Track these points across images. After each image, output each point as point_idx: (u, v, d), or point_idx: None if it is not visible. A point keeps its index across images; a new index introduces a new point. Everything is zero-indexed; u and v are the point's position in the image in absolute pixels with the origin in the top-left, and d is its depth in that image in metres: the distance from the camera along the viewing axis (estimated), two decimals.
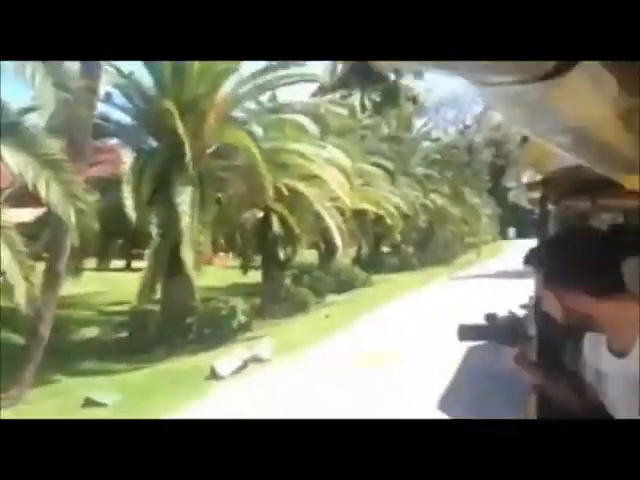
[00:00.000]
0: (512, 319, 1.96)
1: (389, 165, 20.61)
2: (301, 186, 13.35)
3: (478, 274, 22.96)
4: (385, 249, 27.57)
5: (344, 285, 18.60)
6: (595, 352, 1.61)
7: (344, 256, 24.53)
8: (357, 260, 24.34)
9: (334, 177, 13.25)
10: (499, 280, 18.76)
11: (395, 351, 9.66)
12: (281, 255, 14.21)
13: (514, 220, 62.18)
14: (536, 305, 2.35)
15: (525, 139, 2.16)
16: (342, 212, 17.22)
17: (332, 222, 14.17)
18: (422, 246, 30.94)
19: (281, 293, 14.59)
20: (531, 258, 1.63)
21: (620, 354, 1.49)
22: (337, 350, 10.21)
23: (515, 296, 5.40)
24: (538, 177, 2.33)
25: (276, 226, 13.54)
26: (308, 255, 20.51)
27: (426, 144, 32.39)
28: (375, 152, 20.47)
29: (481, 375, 7.55)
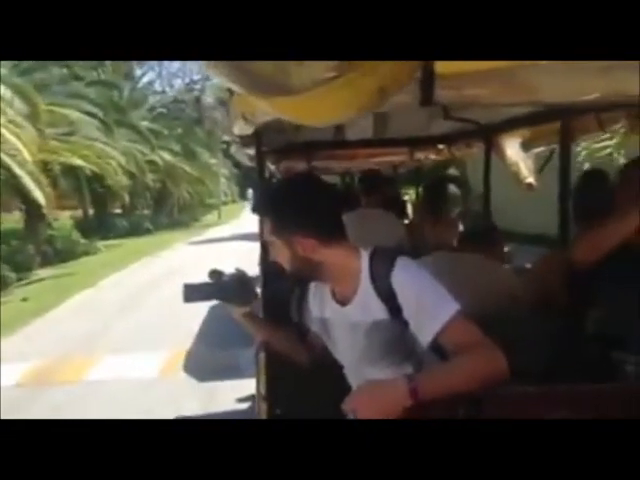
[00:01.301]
0: (239, 276, 1.83)
1: (99, 113, 17.71)
2: None
3: (217, 237, 21.73)
4: (117, 211, 24.70)
5: (61, 255, 15.73)
6: (319, 302, 1.67)
7: (62, 220, 21.24)
8: (80, 224, 21.26)
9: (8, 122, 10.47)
10: (239, 242, 17.82)
11: (104, 344, 7.04)
12: None
13: (252, 181, 63.40)
14: (262, 257, 2.40)
15: (231, 92, 1.96)
16: (47, 166, 14.44)
17: (28, 177, 11.42)
18: (157, 208, 28.83)
19: None
20: (257, 206, 1.64)
21: (343, 303, 1.57)
22: (17, 354, 6.68)
23: (254, 258, 4.43)
24: (249, 129, 2.15)
25: None
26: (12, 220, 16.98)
27: (151, 97, 29.88)
28: (79, 97, 17.30)
29: (220, 337, 6.40)
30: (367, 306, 1.50)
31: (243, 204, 52.66)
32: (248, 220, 30.77)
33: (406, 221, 4.22)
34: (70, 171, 15.64)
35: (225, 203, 43.24)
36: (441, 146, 4.00)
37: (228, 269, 1.82)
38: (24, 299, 10.31)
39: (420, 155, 4.50)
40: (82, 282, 11.71)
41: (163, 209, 28.92)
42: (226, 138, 3.12)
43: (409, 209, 5.20)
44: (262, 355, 2.05)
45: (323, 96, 1.05)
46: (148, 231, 24.39)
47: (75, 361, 6.39)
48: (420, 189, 4.63)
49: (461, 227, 3.20)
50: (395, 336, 1.48)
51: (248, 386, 3.52)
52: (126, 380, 5.67)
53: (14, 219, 17.19)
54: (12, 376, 5.85)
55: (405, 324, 1.44)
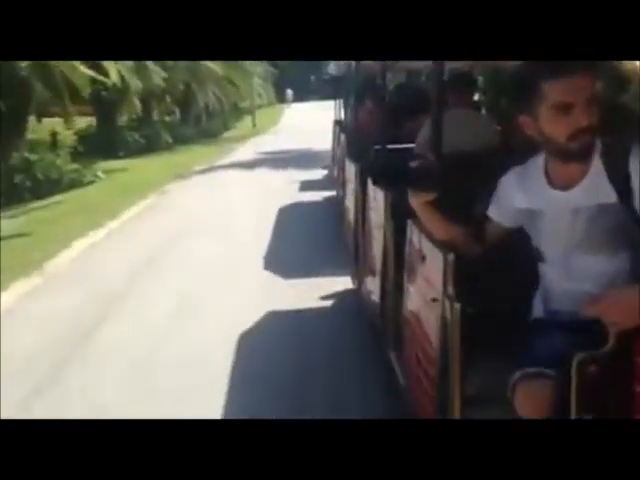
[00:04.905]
0: (428, 164, 1.90)
1: None
2: None
3: (251, 159, 16.92)
4: (125, 122, 19.99)
5: (40, 188, 11.36)
6: (525, 192, 1.71)
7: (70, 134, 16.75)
8: (80, 142, 16.82)
9: None
10: (282, 171, 13.88)
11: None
12: None
13: (290, 81, 57.51)
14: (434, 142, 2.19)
15: None
16: None
17: None
18: (182, 115, 24.15)
19: None
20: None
21: (564, 187, 1.62)
22: None
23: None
24: None
25: None
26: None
27: None
28: None
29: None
30: (595, 189, 1.53)
31: (281, 107, 47.28)
32: (288, 129, 26.03)
33: None
34: (39, 64, 10.89)
35: (260, 106, 37.87)
36: None
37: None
38: None
39: None
40: (28, 258, 6.83)
41: (188, 116, 24.14)
42: None
43: None
44: (451, 256, 1.96)
45: None
46: (167, 145, 19.79)
47: None
48: None
49: None
50: (621, 223, 1.50)
51: None
52: None
53: None
54: None
55: (634, 211, 1.46)
